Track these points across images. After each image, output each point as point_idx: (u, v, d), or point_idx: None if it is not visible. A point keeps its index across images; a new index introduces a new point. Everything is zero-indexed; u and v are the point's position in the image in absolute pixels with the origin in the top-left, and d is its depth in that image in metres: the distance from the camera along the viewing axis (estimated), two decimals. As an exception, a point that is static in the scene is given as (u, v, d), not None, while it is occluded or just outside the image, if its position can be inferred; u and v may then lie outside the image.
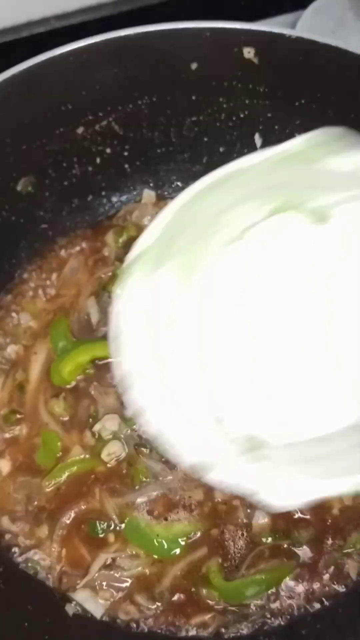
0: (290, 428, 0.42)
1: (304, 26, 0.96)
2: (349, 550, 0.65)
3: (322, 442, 0.40)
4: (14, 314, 0.79)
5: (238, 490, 0.39)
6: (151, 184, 0.87)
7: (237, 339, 0.44)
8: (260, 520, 0.65)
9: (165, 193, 0.87)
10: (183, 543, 0.65)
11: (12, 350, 0.77)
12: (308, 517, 0.66)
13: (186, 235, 0.48)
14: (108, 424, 0.69)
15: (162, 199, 0.87)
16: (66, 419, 0.71)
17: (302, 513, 0.66)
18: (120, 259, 0.82)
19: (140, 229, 0.84)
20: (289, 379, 0.43)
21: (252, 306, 0.45)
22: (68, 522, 0.66)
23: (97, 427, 0.69)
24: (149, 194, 0.87)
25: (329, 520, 0.66)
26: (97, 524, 0.66)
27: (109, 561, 0.65)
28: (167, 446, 0.42)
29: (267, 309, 0.45)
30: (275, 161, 0.46)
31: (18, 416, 0.72)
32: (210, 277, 0.49)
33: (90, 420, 0.70)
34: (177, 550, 0.65)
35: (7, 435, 0.72)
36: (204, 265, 0.49)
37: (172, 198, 0.84)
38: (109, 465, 0.68)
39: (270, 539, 0.65)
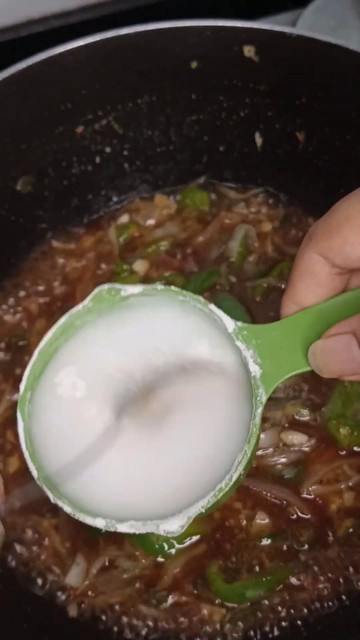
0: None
1: (305, 24, 0.96)
2: (344, 535, 0.65)
3: None
4: (14, 314, 0.79)
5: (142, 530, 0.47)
6: (151, 183, 0.87)
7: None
8: (261, 521, 0.65)
9: (165, 192, 0.87)
10: (183, 545, 0.64)
11: (12, 350, 0.77)
12: (308, 516, 0.66)
13: None
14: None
15: (172, 202, 0.87)
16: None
17: (302, 513, 0.66)
18: (122, 256, 0.82)
19: (141, 228, 0.84)
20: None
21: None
22: (67, 523, 0.66)
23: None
24: (159, 198, 0.87)
25: (329, 521, 0.66)
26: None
27: (108, 562, 0.64)
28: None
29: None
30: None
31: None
32: None
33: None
34: (178, 553, 0.64)
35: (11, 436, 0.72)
36: None
37: (172, 197, 0.87)
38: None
39: (270, 540, 0.64)
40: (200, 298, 0.52)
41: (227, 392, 0.54)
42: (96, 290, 0.52)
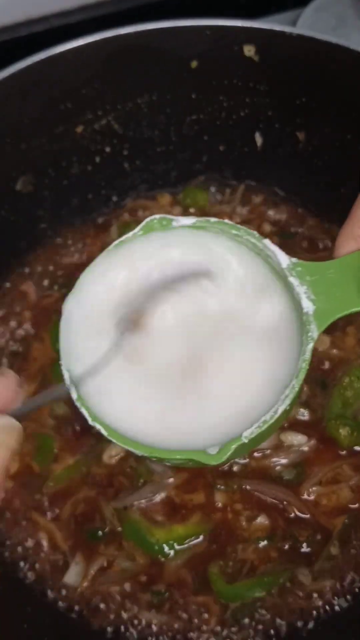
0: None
1: (305, 24, 0.96)
2: (344, 535, 0.65)
3: None
4: (14, 315, 0.79)
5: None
6: (151, 183, 0.87)
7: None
8: (261, 522, 0.65)
9: (165, 192, 0.87)
10: (183, 546, 0.64)
11: (12, 350, 0.77)
12: (308, 517, 0.66)
13: None
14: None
15: (176, 202, 0.87)
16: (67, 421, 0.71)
17: (302, 513, 0.66)
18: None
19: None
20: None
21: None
22: (66, 524, 0.66)
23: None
24: (163, 196, 0.87)
25: (329, 521, 0.66)
26: (96, 528, 0.66)
27: (107, 562, 0.64)
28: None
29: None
30: None
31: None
32: None
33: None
34: (178, 554, 0.64)
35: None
36: None
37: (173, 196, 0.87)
38: (109, 464, 0.68)
39: (270, 541, 0.65)
40: (255, 232, 0.52)
41: (276, 328, 0.52)
42: (147, 219, 0.52)
